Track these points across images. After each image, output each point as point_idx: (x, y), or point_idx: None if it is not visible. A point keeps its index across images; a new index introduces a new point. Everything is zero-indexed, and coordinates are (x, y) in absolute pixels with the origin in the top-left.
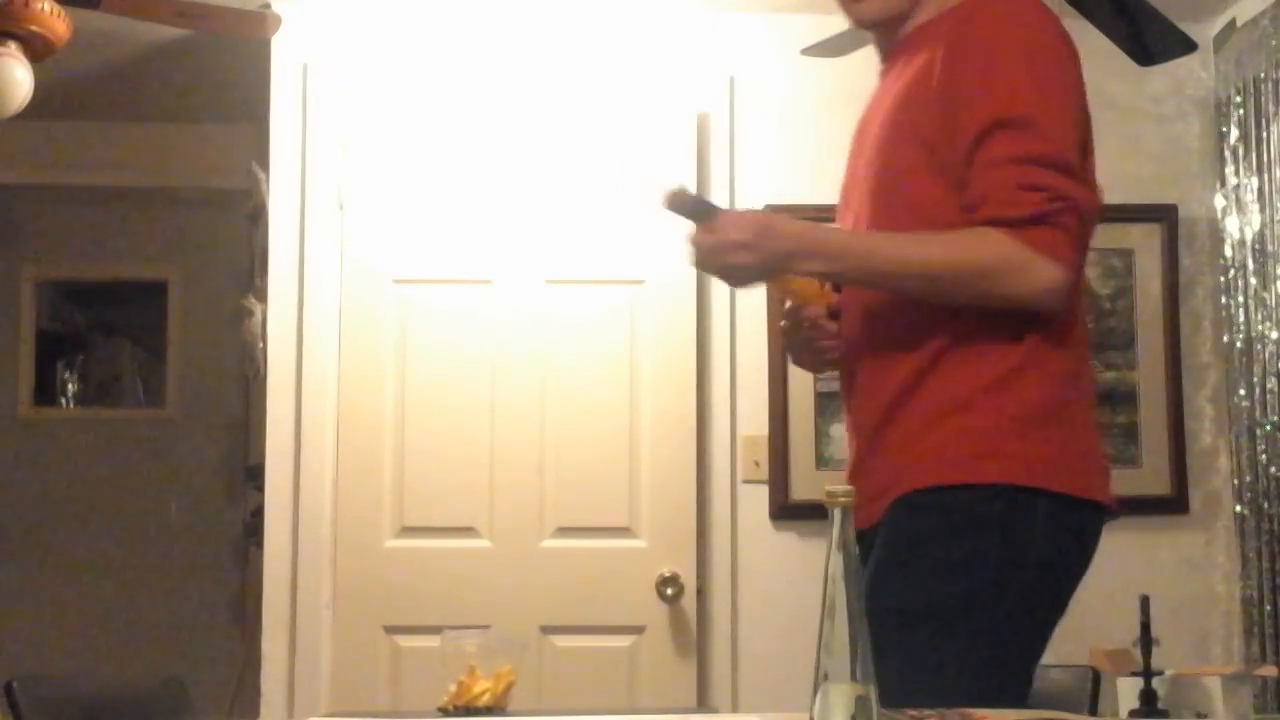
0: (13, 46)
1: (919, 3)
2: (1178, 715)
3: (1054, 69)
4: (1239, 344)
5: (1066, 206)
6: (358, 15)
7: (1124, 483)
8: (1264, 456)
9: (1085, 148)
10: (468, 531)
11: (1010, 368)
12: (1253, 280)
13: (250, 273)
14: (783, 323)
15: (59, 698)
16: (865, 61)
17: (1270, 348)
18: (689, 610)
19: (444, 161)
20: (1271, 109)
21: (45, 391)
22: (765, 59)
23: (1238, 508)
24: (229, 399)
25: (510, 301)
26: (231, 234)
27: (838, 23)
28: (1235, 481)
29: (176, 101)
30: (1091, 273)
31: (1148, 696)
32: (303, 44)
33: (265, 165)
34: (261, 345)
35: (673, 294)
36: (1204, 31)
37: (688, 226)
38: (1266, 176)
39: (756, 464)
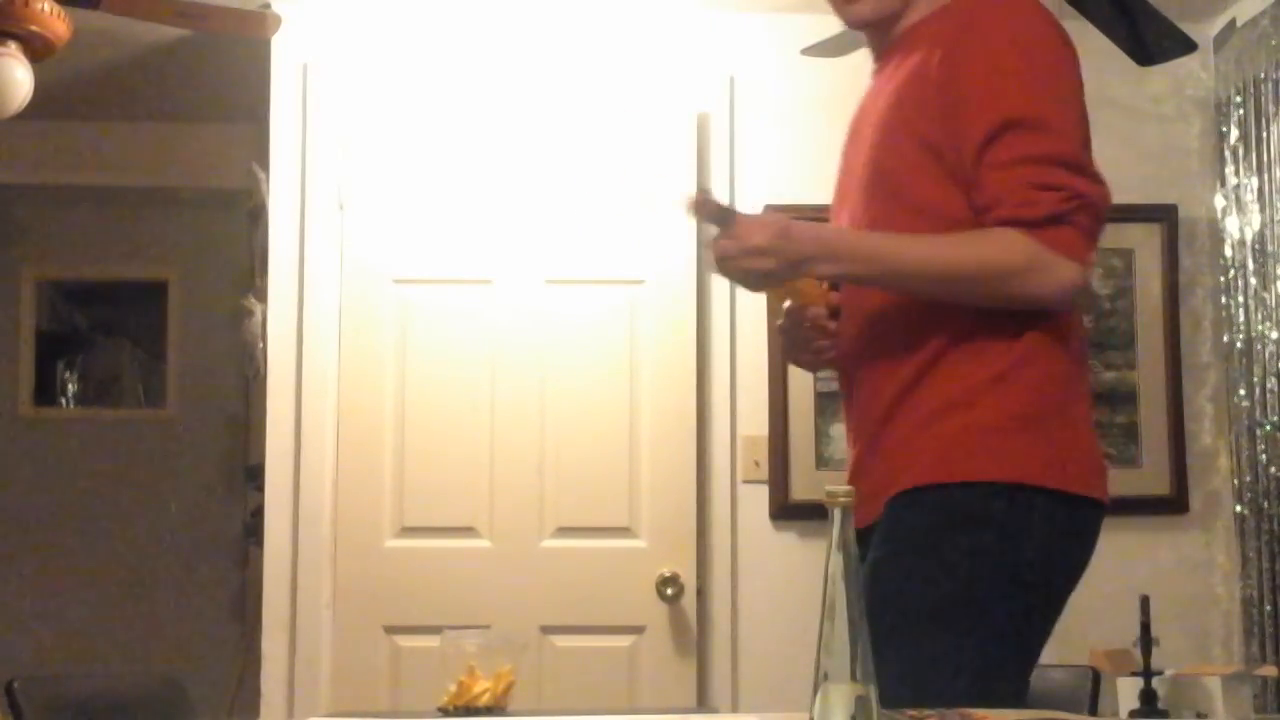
0: (13, 46)
1: (911, 3)
2: (1178, 715)
3: (1057, 68)
4: (1239, 344)
5: (1081, 205)
6: (358, 15)
7: (1124, 483)
8: (1264, 456)
9: (1087, 145)
10: (468, 531)
11: (1010, 365)
12: (1253, 280)
13: (250, 273)
14: (780, 323)
15: (59, 698)
16: (865, 61)
17: (1270, 348)
18: (689, 610)
19: (444, 161)
20: (1271, 109)
21: (45, 391)
22: (765, 59)
23: (1238, 508)
24: (229, 399)
25: (510, 301)
26: (231, 234)
27: (837, 23)
28: (1235, 481)
29: (176, 101)
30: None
31: (1148, 696)
32: (303, 44)
33: (265, 165)
34: (261, 345)
35: (673, 294)
36: (1204, 31)
37: (708, 231)
38: (1266, 176)
39: (756, 464)
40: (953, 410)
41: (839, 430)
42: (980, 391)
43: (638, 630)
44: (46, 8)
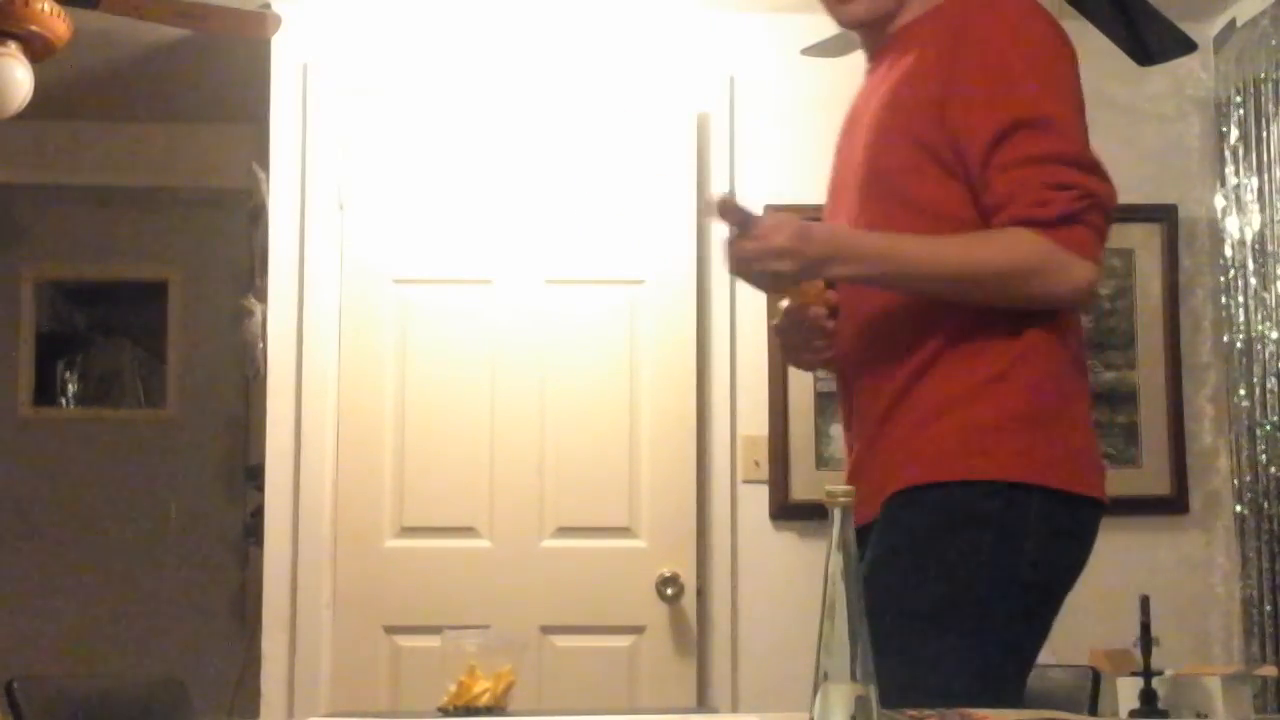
0: (13, 46)
1: (904, 2)
2: (1178, 715)
3: (1059, 67)
4: (1239, 344)
5: (1094, 204)
6: (358, 15)
7: (1124, 483)
8: (1264, 456)
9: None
10: (468, 531)
11: (1008, 364)
12: (1253, 280)
13: (250, 273)
14: (776, 322)
15: (59, 698)
16: (864, 61)
17: (1270, 348)
18: (689, 610)
19: (444, 161)
20: (1271, 109)
21: (45, 391)
22: (765, 59)
23: (1238, 508)
24: (229, 399)
25: (510, 301)
26: (231, 234)
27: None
28: (1235, 481)
29: (176, 101)
30: None
31: (1148, 696)
32: (303, 44)
33: (265, 165)
34: (261, 345)
35: (673, 294)
36: (1204, 31)
37: (727, 232)
38: (1266, 176)
39: (756, 464)
40: (951, 409)
41: (839, 430)
42: (979, 391)
43: (638, 630)
44: (46, 8)
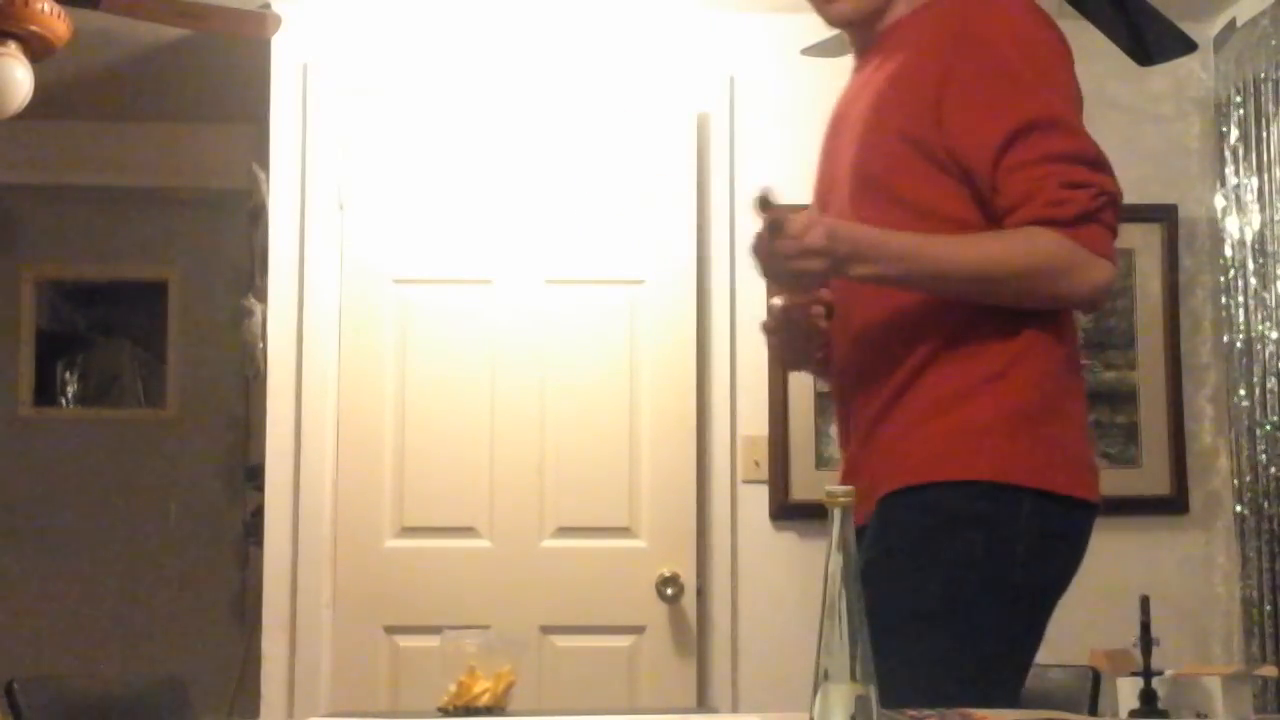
0: (13, 46)
1: (892, 1)
2: (1178, 715)
3: (1060, 66)
4: (1239, 344)
5: (1108, 202)
6: (358, 15)
7: (1124, 483)
8: (1264, 456)
9: None
10: (468, 531)
11: (1003, 365)
12: (1253, 280)
13: (250, 273)
14: (768, 321)
15: (59, 698)
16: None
17: (1270, 348)
18: (689, 610)
19: (444, 162)
20: (1271, 109)
21: (45, 391)
22: (765, 59)
23: (1238, 508)
24: (229, 399)
25: (510, 301)
26: (231, 234)
27: None
28: (1235, 481)
29: (176, 101)
30: None
31: (1148, 696)
32: (303, 44)
33: (265, 165)
34: (261, 345)
35: (673, 294)
36: (1204, 31)
37: (760, 231)
38: (1266, 176)
39: (756, 464)
40: (945, 411)
41: None
42: (973, 391)
43: (638, 630)
44: (46, 8)
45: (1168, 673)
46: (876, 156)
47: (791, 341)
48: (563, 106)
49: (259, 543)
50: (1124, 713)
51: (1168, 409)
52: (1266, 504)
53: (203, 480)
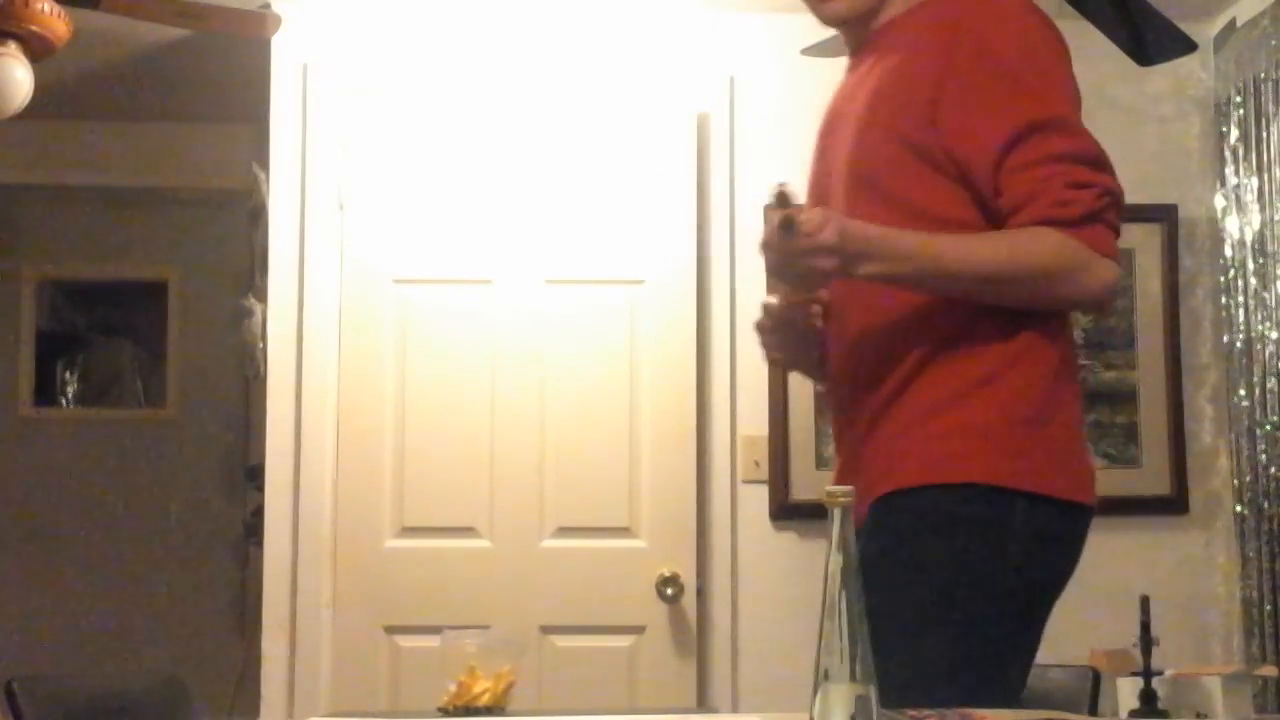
0: (13, 46)
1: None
2: (1178, 715)
3: (1059, 65)
4: (1239, 344)
5: (1112, 202)
6: (358, 15)
7: (1124, 483)
8: (1264, 456)
9: None
10: (468, 531)
11: (997, 367)
12: (1253, 280)
13: (250, 273)
14: (761, 320)
15: (59, 698)
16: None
17: (1270, 348)
18: (689, 610)
19: (444, 161)
20: (1271, 109)
21: (45, 391)
22: (765, 59)
23: (1238, 508)
24: (229, 399)
25: (510, 301)
26: (231, 234)
27: None
28: (1235, 481)
29: (176, 101)
30: None
31: (1148, 696)
32: (303, 44)
33: (265, 165)
34: (261, 345)
35: (673, 294)
36: (1204, 31)
37: (771, 228)
38: (1266, 176)
39: (756, 464)
40: (938, 413)
41: None
42: (966, 394)
43: (638, 630)
44: (46, 8)
45: (1168, 673)
46: (871, 156)
47: (787, 341)
48: (563, 106)
49: (259, 543)
50: (1124, 713)
51: (1168, 409)
52: (1266, 504)
53: (203, 480)
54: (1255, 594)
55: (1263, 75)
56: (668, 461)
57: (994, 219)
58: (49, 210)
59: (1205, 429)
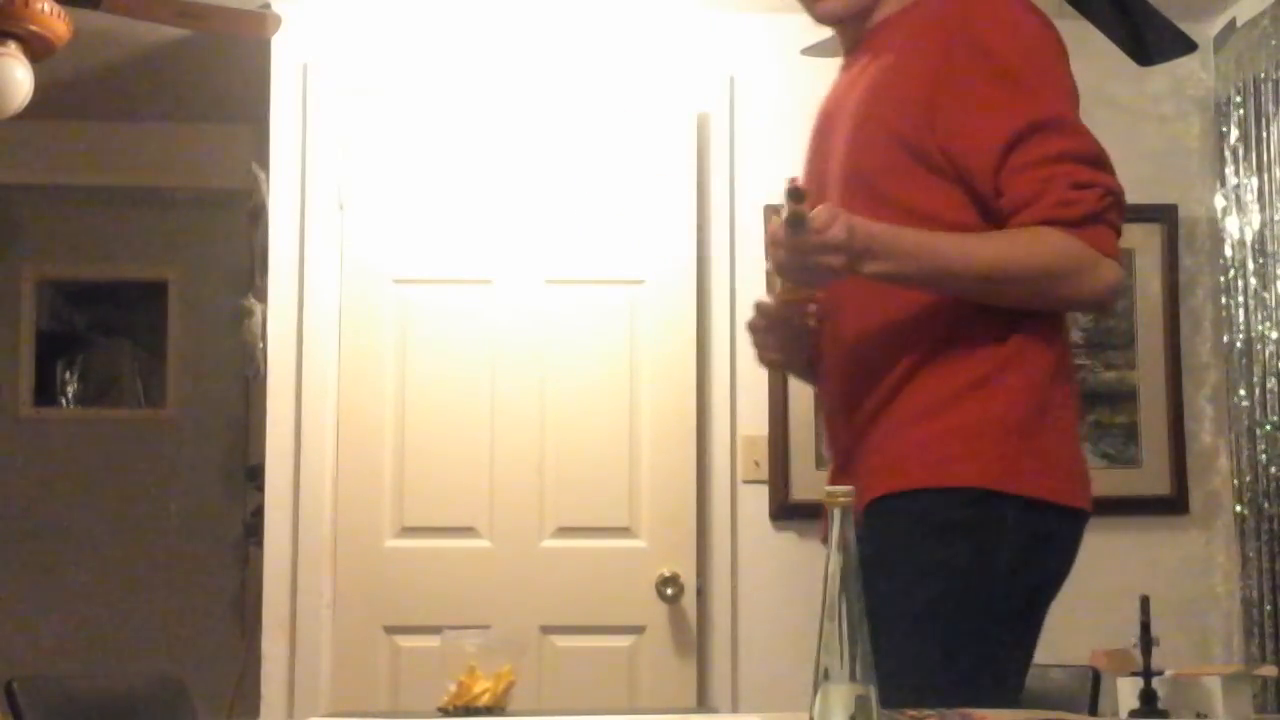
0: (13, 46)
1: None
2: (1178, 715)
3: (1058, 63)
4: (1239, 344)
5: (1114, 202)
6: (358, 15)
7: (1124, 483)
8: (1264, 456)
9: None
10: (468, 531)
11: (991, 370)
12: (1253, 280)
13: (250, 273)
14: (754, 320)
15: (59, 698)
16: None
17: (1270, 348)
18: (689, 610)
19: (444, 162)
20: (1271, 109)
21: (45, 391)
22: (765, 59)
23: (1238, 508)
24: (229, 399)
25: (510, 301)
26: (231, 234)
27: None
28: (1235, 481)
29: (176, 101)
30: None
31: (1148, 696)
32: (303, 44)
33: (265, 165)
34: (261, 345)
35: (673, 294)
36: (1204, 31)
37: (780, 225)
38: (1266, 176)
39: (756, 464)
40: (931, 416)
41: None
42: (960, 397)
43: (638, 630)
44: (46, 8)
45: (1168, 673)
46: (865, 157)
47: (782, 341)
48: (563, 106)
49: (259, 543)
50: (1124, 713)
51: (1168, 409)
52: (1266, 504)
53: (203, 480)
54: (1255, 594)
55: (1263, 75)
56: (668, 461)
57: (991, 220)
58: (49, 210)
59: (1205, 429)
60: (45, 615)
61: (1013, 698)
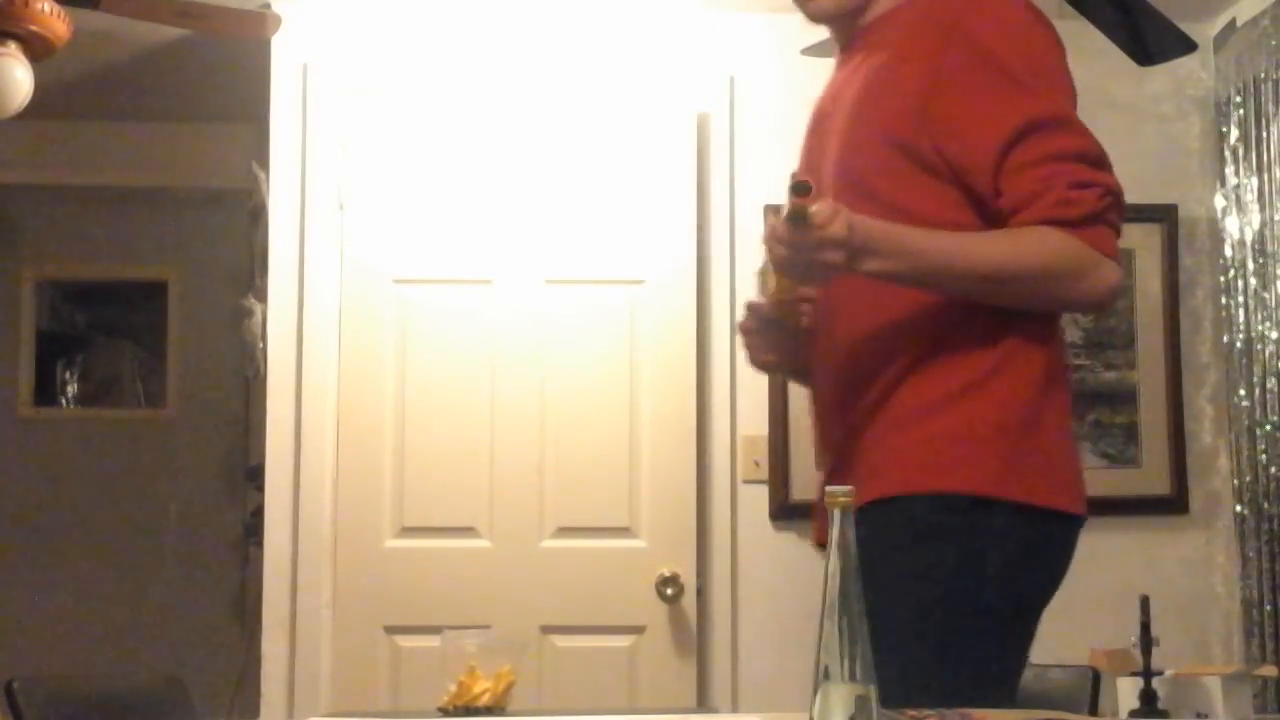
0: (13, 46)
1: None
2: (1178, 715)
3: (1054, 61)
4: (1239, 344)
5: (1114, 202)
6: (358, 15)
7: (1124, 483)
8: (1264, 456)
9: None
10: (468, 531)
11: (983, 373)
12: (1253, 280)
13: (250, 273)
14: (751, 322)
15: (59, 698)
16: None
17: (1270, 348)
18: (689, 610)
19: (444, 161)
20: (1271, 109)
21: (45, 391)
22: (765, 59)
23: (1238, 508)
24: (229, 399)
25: (510, 301)
26: (231, 234)
27: None
28: (1235, 481)
29: (176, 101)
30: None
31: (1148, 696)
32: (303, 44)
33: (265, 165)
34: (261, 345)
35: (673, 294)
36: (1204, 31)
37: (781, 220)
38: (1266, 176)
39: (756, 464)
40: (920, 420)
41: None
42: (950, 400)
43: (638, 630)
44: (46, 8)
45: (1168, 673)
46: (858, 158)
47: (772, 343)
48: (563, 106)
49: (259, 543)
50: (1124, 713)
51: (1168, 409)
52: (1266, 504)
53: (203, 480)
54: (1255, 594)
55: (1263, 75)
56: (668, 461)
57: (988, 220)
58: (49, 210)
59: (1205, 429)
60: (45, 615)
61: (1006, 705)
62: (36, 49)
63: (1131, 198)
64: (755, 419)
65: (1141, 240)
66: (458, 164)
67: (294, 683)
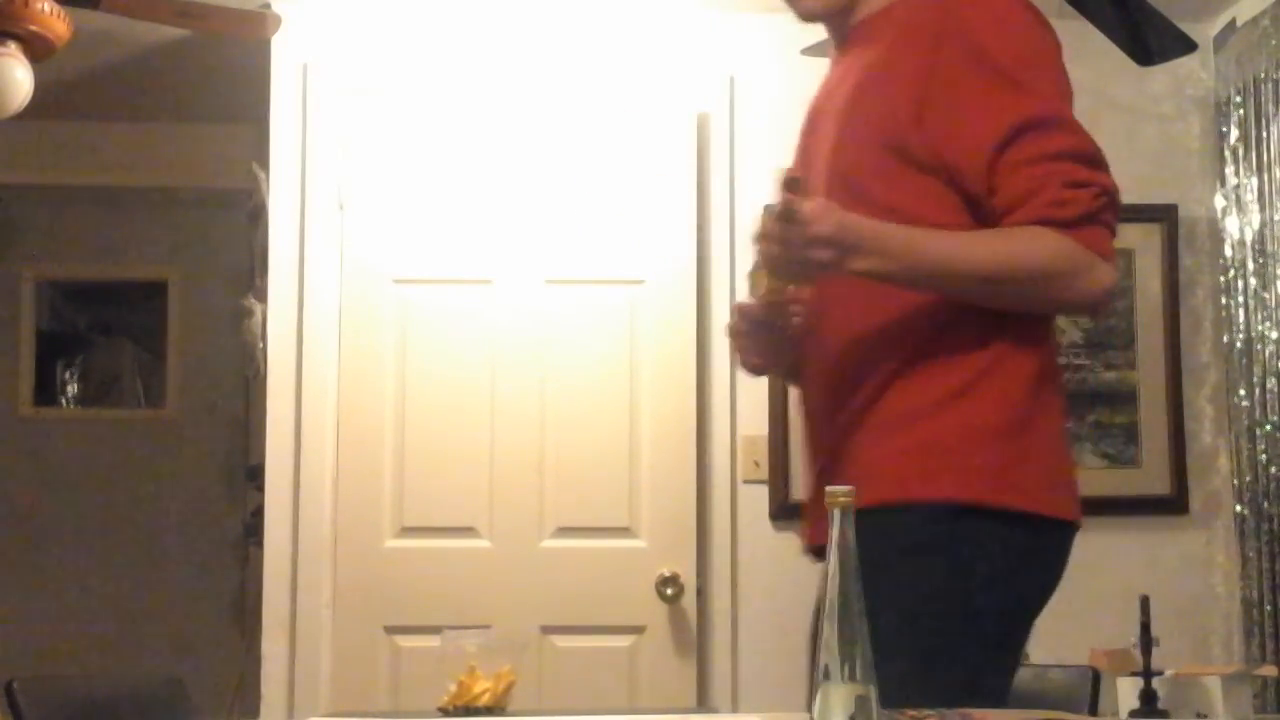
0: (13, 46)
1: None
2: (1178, 715)
3: (1051, 59)
4: (1239, 344)
5: (1109, 202)
6: (358, 15)
7: (1124, 483)
8: (1264, 456)
9: None
10: (468, 531)
11: (973, 378)
12: (1253, 280)
13: (250, 273)
14: (740, 324)
15: (59, 698)
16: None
17: (1270, 348)
18: (689, 610)
19: (444, 162)
20: (1271, 109)
21: (45, 391)
22: (765, 59)
23: (1238, 508)
24: (229, 399)
25: (510, 301)
26: (231, 234)
27: None
28: (1235, 481)
29: (176, 101)
30: None
31: (1148, 696)
32: (303, 44)
33: (265, 165)
34: (261, 345)
35: (673, 294)
36: (1204, 31)
37: (771, 217)
38: (1266, 176)
39: (756, 464)
40: (909, 425)
41: None
42: (937, 408)
43: (638, 630)
44: (46, 8)
45: (1168, 673)
46: (850, 158)
47: (762, 345)
48: (563, 106)
49: (259, 543)
50: (1124, 713)
51: (1168, 409)
52: (1266, 504)
53: (203, 480)
54: (1255, 594)
55: (1263, 75)
56: (668, 461)
57: (982, 221)
58: (49, 210)
59: (1205, 429)
60: (45, 615)
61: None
62: (36, 49)
63: (1131, 198)
64: (755, 419)
65: (1141, 240)
66: (458, 164)
67: (294, 683)
